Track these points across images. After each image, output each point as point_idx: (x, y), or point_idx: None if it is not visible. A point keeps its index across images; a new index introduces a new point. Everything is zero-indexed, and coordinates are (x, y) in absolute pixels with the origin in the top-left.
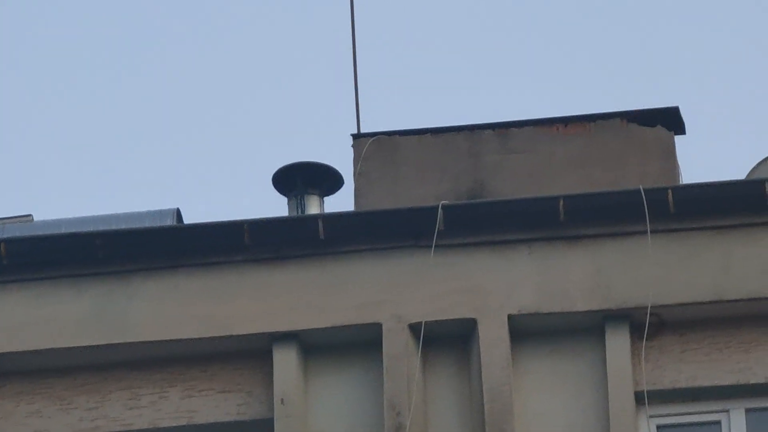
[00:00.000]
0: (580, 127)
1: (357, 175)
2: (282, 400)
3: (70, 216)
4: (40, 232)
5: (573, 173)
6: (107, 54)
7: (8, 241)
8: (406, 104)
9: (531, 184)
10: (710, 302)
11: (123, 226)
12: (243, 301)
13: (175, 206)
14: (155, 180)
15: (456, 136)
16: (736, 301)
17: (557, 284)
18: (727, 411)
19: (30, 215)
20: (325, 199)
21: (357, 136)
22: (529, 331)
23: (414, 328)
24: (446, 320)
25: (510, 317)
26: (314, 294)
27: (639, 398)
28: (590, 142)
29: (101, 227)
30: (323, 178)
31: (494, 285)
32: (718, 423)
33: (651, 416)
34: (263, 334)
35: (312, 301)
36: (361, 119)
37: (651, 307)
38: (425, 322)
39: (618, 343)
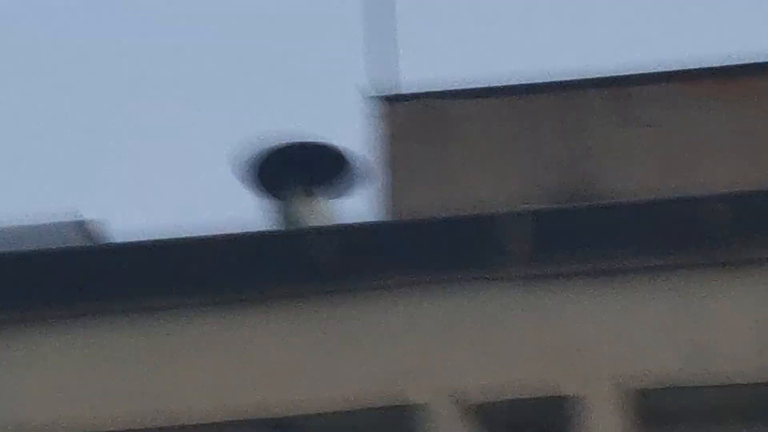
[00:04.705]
0: (743, 84)
1: (386, 163)
2: None
3: None
4: None
5: (734, 157)
6: None
7: None
8: (463, 51)
9: (668, 175)
10: None
11: None
12: (199, 373)
13: (76, 211)
14: (44, 168)
15: (547, 99)
16: None
17: (715, 339)
18: None
19: None
20: (334, 202)
21: (387, 100)
22: (670, 416)
23: (479, 413)
24: (532, 399)
25: (639, 394)
26: (315, 359)
27: None
28: (761, 107)
29: None
30: (329, 169)
31: (612, 341)
32: None
33: None
34: (236, 423)
35: (311, 370)
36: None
37: None
38: (496, 402)
39: None
